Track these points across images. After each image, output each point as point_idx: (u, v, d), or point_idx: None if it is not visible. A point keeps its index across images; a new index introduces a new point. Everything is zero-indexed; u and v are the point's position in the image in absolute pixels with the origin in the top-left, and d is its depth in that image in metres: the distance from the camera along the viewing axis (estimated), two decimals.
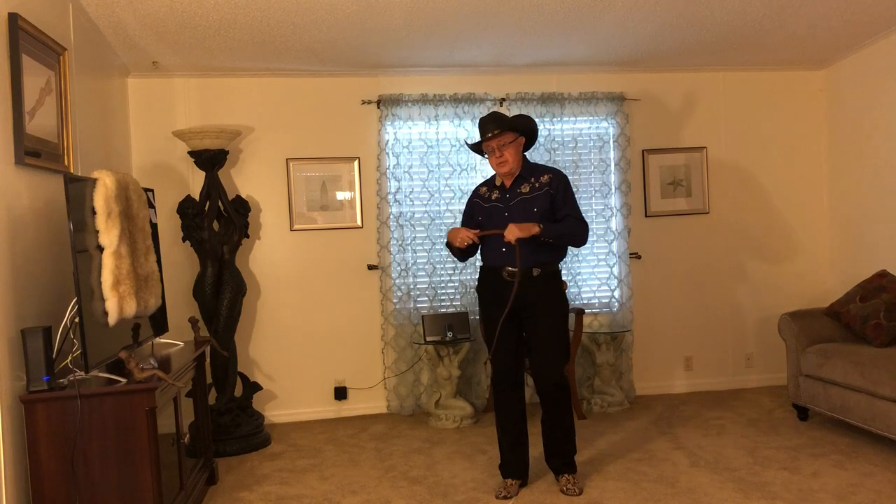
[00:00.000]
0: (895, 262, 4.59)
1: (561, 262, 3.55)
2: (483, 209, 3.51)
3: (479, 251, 3.58)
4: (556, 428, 3.45)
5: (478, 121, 4.91)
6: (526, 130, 3.47)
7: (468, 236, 3.38)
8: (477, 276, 4.94)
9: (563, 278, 3.90)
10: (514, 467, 3.47)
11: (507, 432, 3.48)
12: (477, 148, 3.55)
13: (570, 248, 3.72)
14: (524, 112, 4.87)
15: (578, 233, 3.41)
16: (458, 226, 3.67)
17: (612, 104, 5.15)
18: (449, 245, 3.57)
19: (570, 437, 3.47)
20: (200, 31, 3.99)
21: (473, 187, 4.92)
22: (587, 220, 3.49)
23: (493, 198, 3.50)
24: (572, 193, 3.48)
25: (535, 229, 3.26)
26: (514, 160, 3.41)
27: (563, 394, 3.42)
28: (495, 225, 3.40)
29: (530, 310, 3.37)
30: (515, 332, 3.44)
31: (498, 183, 3.52)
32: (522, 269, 3.32)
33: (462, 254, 3.55)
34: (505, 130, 3.38)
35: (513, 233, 3.25)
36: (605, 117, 5.17)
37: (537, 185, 3.42)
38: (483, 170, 5.07)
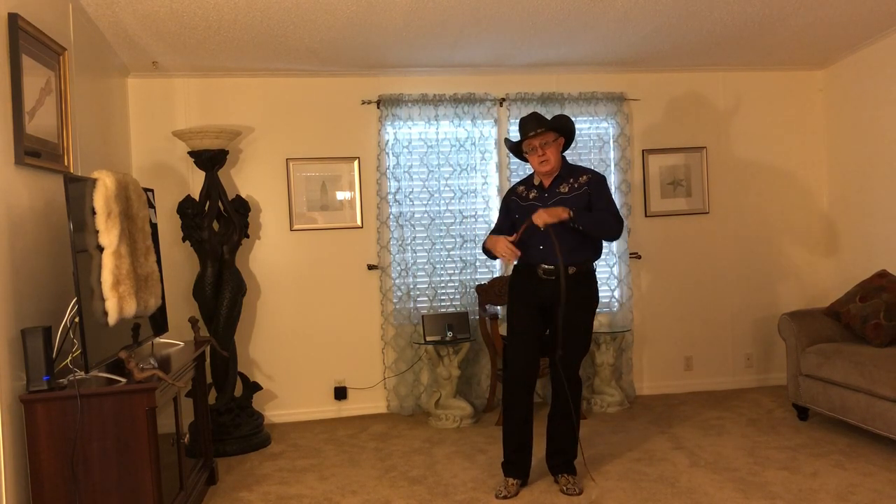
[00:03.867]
0: (895, 262, 4.59)
1: (596, 261, 3.55)
2: (521, 208, 3.52)
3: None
4: (561, 423, 3.46)
5: (475, 121, 4.99)
6: (565, 131, 3.49)
7: (509, 248, 3.33)
8: (477, 277, 5.00)
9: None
10: (517, 467, 3.47)
11: (513, 431, 3.47)
12: (515, 148, 3.55)
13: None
14: (524, 112, 4.87)
15: (612, 224, 3.38)
16: (482, 228, 3.66)
17: (612, 104, 5.15)
18: (486, 250, 3.57)
19: (573, 436, 3.48)
20: (200, 31, 3.99)
21: (473, 187, 5.02)
22: (622, 219, 3.48)
23: (532, 197, 3.51)
24: (609, 192, 3.49)
25: (564, 214, 3.25)
26: (556, 159, 3.44)
27: (575, 389, 3.45)
28: (532, 225, 3.39)
29: (558, 306, 3.37)
30: (539, 332, 3.46)
31: (536, 182, 3.54)
32: (558, 268, 3.31)
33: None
34: (548, 130, 3.41)
35: (541, 217, 3.24)
36: (606, 117, 5.17)
37: (576, 185, 3.44)
38: (483, 170, 5.08)
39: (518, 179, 3.82)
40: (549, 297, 3.39)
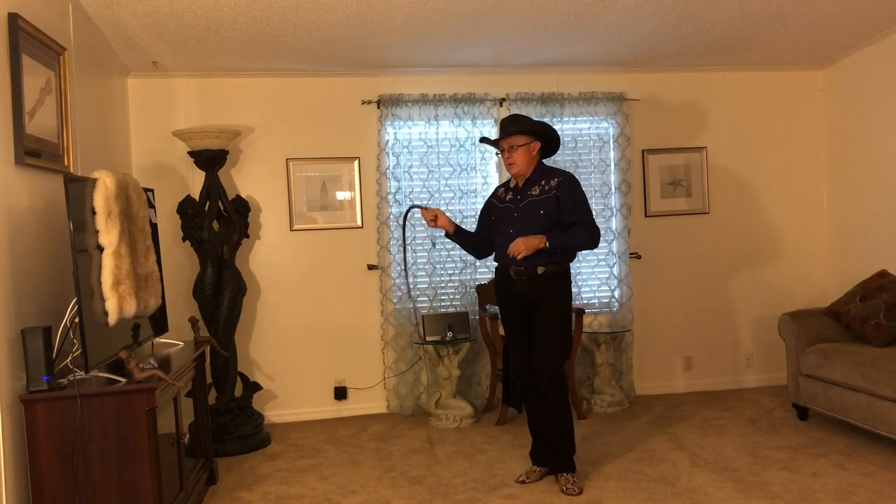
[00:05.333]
0: (895, 262, 4.59)
1: (571, 262, 3.59)
2: (497, 209, 3.63)
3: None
4: (550, 424, 3.47)
5: (476, 121, 4.99)
6: (538, 135, 3.51)
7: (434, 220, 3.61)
8: (477, 277, 5.00)
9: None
10: (535, 455, 3.61)
11: (530, 421, 3.63)
12: (496, 145, 3.64)
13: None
14: (524, 112, 4.86)
15: (587, 239, 3.46)
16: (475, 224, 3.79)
17: (612, 104, 5.15)
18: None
19: (566, 435, 3.48)
20: (200, 31, 3.99)
21: (473, 187, 5.02)
22: (597, 224, 3.53)
23: (507, 199, 3.59)
24: (582, 197, 3.50)
25: (541, 244, 3.35)
26: (522, 163, 3.49)
27: (558, 389, 3.46)
28: (505, 225, 3.53)
29: (537, 306, 3.47)
30: (528, 330, 3.53)
31: (512, 185, 3.61)
32: (527, 267, 3.44)
33: (473, 250, 3.78)
34: (515, 133, 3.47)
35: (518, 249, 3.36)
36: (605, 117, 5.17)
37: (547, 188, 3.48)
38: (483, 170, 5.08)
39: None
40: (523, 297, 3.49)
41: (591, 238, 3.46)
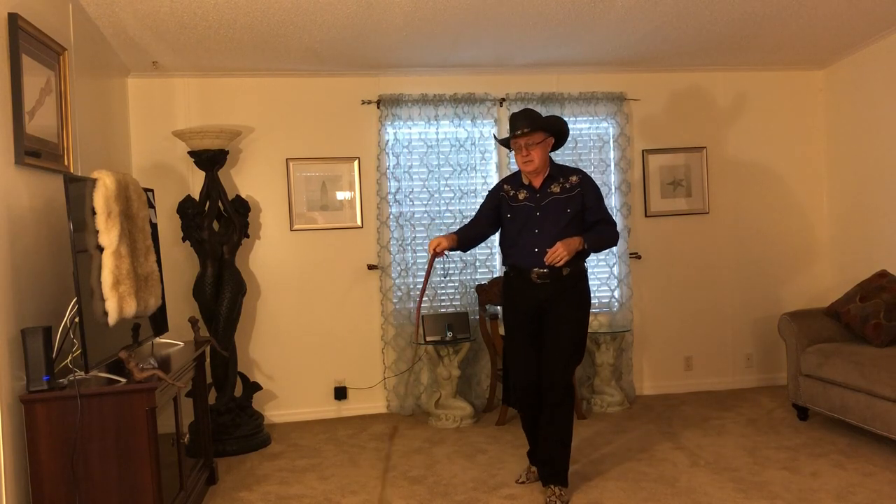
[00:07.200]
0: (895, 262, 4.59)
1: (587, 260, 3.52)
2: (512, 208, 3.43)
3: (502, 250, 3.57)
4: (553, 431, 3.34)
5: (475, 121, 4.99)
6: (555, 132, 3.43)
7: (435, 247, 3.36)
8: (477, 277, 4.99)
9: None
10: (535, 457, 3.56)
11: (527, 426, 3.53)
12: (505, 142, 3.50)
13: None
14: None
15: (614, 238, 3.44)
16: (467, 219, 3.64)
17: (612, 104, 5.15)
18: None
19: (565, 445, 3.35)
20: (200, 31, 3.99)
21: (473, 187, 5.01)
22: (615, 221, 3.50)
23: (521, 197, 3.41)
24: (600, 194, 3.46)
25: (580, 247, 3.26)
26: (541, 160, 3.35)
27: (568, 397, 3.34)
28: (527, 225, 3.36)
29: (555, 309, 3.33)
30: (536, 336, 3.39)
31: (526, 182, 3.44)
32: (553, 270, 3.29)
33: (470, 246, 3.58)
34: (535, 130, 3.33)
35: (559, 255, 3.19)
36: (605, 117, 5.17)
37: (567, 185, 3.38)
38: (483, 170, 5.08)
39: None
40: (545, 300, 3.33)
41: (617, 236, 3.44)
